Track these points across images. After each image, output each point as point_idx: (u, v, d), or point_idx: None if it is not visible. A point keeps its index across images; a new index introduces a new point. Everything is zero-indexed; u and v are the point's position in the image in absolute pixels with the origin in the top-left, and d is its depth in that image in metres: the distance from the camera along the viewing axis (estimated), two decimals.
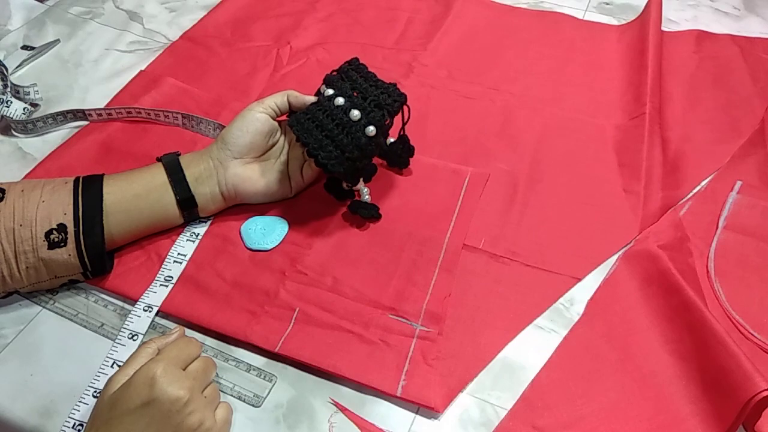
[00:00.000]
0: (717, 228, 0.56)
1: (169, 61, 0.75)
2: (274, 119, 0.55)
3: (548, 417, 0.44)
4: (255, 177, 0.55)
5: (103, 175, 0.52)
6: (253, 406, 0.45)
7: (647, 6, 0.80)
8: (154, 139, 0.64)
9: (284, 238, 0.55)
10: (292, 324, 0.49)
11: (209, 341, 0.49)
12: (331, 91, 0.54)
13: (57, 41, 0.78)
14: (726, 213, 0.57)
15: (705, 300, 0.49)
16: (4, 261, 0.47)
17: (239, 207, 0.57)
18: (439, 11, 0.83)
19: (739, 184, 0.60)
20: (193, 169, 0.53)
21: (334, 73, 0.56)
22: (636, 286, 0.52)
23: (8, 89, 0.67)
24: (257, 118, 0.54)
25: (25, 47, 0.76)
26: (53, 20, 0.82)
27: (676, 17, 0.83)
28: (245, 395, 0.46)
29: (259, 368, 0.47)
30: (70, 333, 0.49)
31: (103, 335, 0.49)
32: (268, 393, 0.46)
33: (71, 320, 0.50)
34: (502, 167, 0.62)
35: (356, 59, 0.56)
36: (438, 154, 0.63)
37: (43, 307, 0.51)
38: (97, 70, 0.74)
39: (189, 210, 0.54)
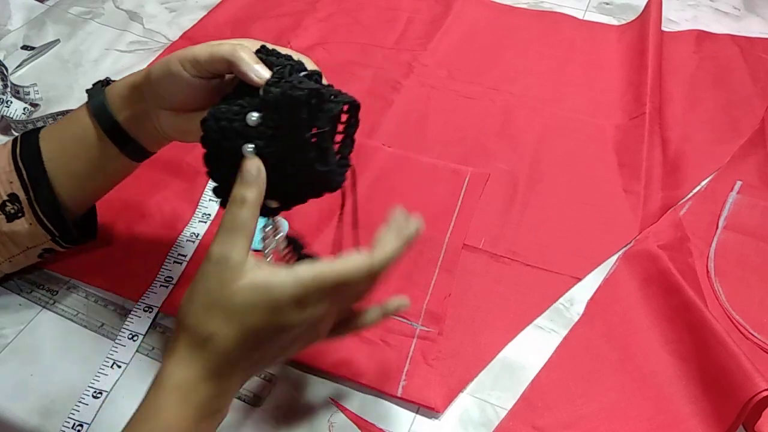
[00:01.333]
0: (717, 228, 0.56)
1: None
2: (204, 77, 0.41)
3: (548, 417, 0.44)
4: (194, 129, 0.40)
5: (39, 131, 0.47)
6: (253, 406, 0.45)
7: (647, 6, 0.80)
8: None
9: None
10: None
11: None
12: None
13: (57, 41, 0.78)
14: (726, 213, 0.57)
15: (705, 300, 0.49)
16: None
17: None
18: (439, 11, 0.83)
19: (739, 184, 0.60)
20: (126, 113, 0.45)
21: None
22: (636, 286, 0.52)
23: (8, 89, 0.67)
24: (181, 80, 0.41)
25: (25, 47, 0.76)
26: (53, 20, 0.82)
27: (676, 17, 0.83)
28: (245, 395, 0.45)
29: None
30: (70, 333, 0.49)
31: (103, 335, 0.49)
32: (268, 393, 0.46)
33: (71, 320, 0.50)
34: (502, 167, 0.62)
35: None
36: (438, 154, 0.63)
37: (43, 307, 0.51)
38: (97, 70, 0.74)
39: (138, 156, 0.47)
